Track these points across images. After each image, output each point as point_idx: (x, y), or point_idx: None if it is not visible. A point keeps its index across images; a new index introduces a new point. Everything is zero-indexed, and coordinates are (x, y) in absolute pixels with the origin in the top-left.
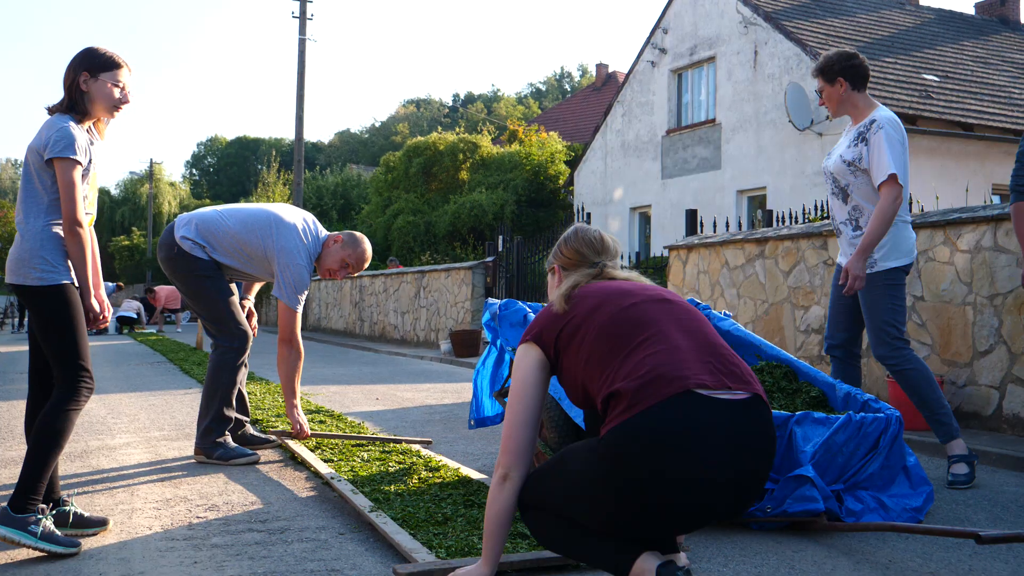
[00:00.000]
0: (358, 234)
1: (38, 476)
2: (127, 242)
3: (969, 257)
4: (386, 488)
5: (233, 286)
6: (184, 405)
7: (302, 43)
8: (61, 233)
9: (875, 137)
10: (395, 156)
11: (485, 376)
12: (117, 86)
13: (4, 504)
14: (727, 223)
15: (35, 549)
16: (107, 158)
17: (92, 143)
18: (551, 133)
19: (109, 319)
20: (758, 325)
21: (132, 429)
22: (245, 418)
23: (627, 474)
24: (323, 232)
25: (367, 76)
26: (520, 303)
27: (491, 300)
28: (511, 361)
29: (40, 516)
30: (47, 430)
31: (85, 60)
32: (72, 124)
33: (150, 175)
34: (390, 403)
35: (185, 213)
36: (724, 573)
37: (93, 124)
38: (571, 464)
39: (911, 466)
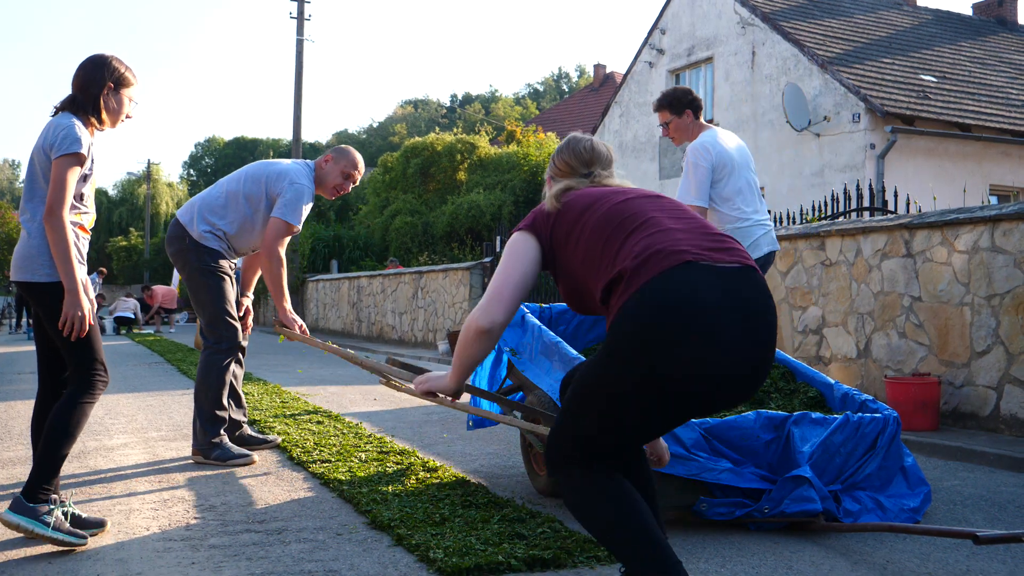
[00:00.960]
0: (340, 146)
1: (51, 467)
2: (125, 243)
3: (967, 258)
4: (383, 488)
5: (232, 289)
6: (182, 406)
7: (300, 44)
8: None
9: (685, 164)
10: (393, 157)
11: (483, 377)
12: (132, 103)
13: (17, 493)
14: None
15: (46, 538)
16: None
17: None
18: (549, 134)
19: (89, 322)
20: None
21: (130, 430)
22: (243, 419)
23: (640, 348)
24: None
25: (365, 77)
26: None
27: None
28: (508, 362)
29: (53, 507)
30: (61, 422)
31: (112, 73)
32: (78, 124)
33: (148, 176)
34: (388, 404)
35: (184, 205)
36: (722, 573)
37: (97, 125)
38: (582, 382)
39: (909, 467)
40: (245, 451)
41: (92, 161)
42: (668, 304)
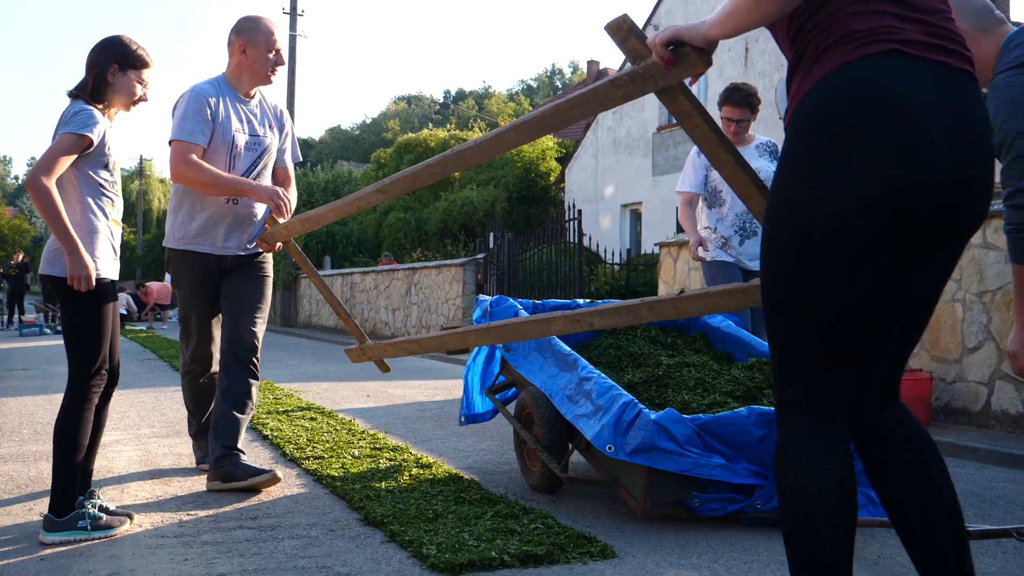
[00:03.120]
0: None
1: (65, 478)
2: None
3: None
4: (376, 485)
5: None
6: (175, 403)
7: (292, 39)
8: (98, 225)
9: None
10: (386, 153)
11: (476, 373)
12: (141, 84)
13: (47, 514)
14: None
15: (90, 541)
16: None
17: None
18: None
19: (92, 282)
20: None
21: (122, 427)
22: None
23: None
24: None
25: (358, 73)
26: (511, 300)
27: (482, 297)
28: (501, 358)
29: (82, 510)
30: (60, 432)
31: (116, 52)
32: (90, 108)
33: (140, 172)
34: (381, 400)
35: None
36: (714, 568)
37: (104, 112)
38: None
39: None
40: (257, 467)
41: (109, 147)
42: (872, 99)
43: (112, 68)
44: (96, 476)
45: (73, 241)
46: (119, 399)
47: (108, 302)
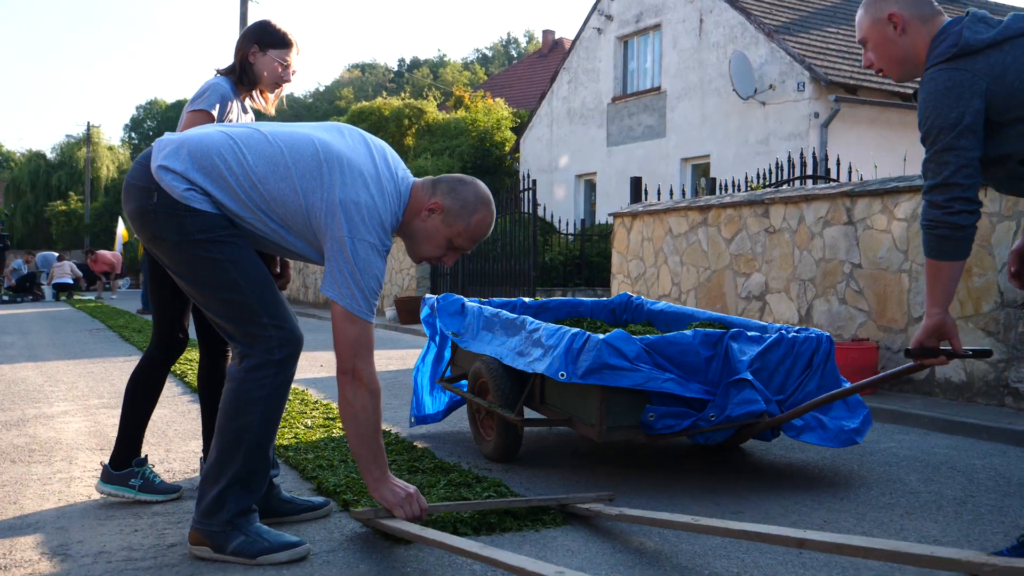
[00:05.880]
0: (465, 182)
1: (131, 432)
2: (64, 207)
3: (906, 225)
4: (329, 455)
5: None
6: (124, 373)
7: (244, 3)
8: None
9: None
10: (340, 121)
11: (425, 373)
12: (282, 64)
13: (105, 464)
14: (671, 191)
15: (137, 500)
16: (42, 120)
17: (245, 110)
18: (497, 99)
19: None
20: (700, 292)
21: (70, 397)
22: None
23: None
24: (405, 175)
25: (310, 39)
26: (456, 295)
27: (428, 296)
28: (452, 344)
29: (138, 469)
30: (134, 388)
31: (257, 33)
32: (219, 82)
33: (87, 139)
34: (334, 370)
35: (168, 135)
36: (664, 534)
37: (260, 94)
38: None
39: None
40: (289, 536)
41: (229, 121)
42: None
43: (253, 48)
44: (44, 447)
45: None
46: (67, 369)
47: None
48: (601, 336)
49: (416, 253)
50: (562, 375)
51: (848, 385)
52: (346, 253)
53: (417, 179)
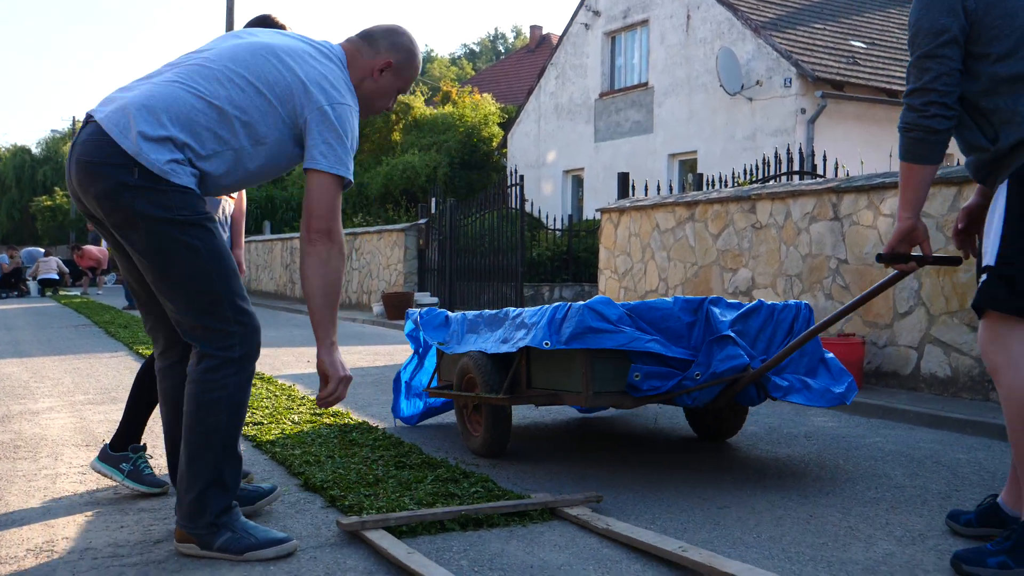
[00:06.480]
0: (398, 31)
1: (132, 418)
2: (49, 202)
3: (891, 221)
4: (316, 451)
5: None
6: (110, 369)
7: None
8: None
9: None
10: None
11: (403, 379)
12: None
13: (106, 443)
14: (658, 186)
15: (123, 485)
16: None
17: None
18: (485, 95)
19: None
20: (687, 287)
21: (56, 393)
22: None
23: None
24: (331, 43)
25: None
26: (439, 310)
27: (411, 310)
28: (438, 351)
29: (132, 455)
30: (144, 374)
31: (259, 25)
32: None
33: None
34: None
35: (119, 95)
36: (652, 530)
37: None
38: None
39: (829, 359)
40: (276, 533)
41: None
42: None
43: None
44: (30, 443)
45: None
46: (53, 365)
47: None
48: (582, 303)
49: (368, 110)
50: (546, 344)
51: (830, 355)
52: (329, 120)
53: (343, 42)
